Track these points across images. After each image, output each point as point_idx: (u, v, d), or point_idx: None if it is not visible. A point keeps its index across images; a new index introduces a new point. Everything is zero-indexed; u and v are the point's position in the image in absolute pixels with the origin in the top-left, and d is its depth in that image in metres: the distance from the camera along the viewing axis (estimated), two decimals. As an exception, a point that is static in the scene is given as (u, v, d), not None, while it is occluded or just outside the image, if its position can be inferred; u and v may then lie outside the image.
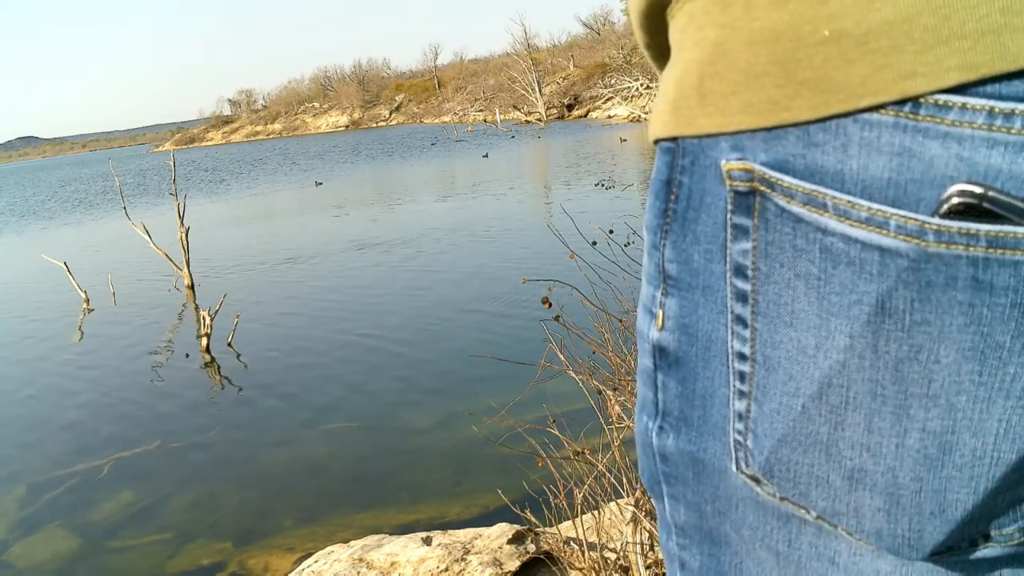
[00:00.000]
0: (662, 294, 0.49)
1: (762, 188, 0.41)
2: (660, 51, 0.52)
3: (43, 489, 4.53)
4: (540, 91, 48.71)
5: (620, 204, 11.12)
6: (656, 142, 0.48)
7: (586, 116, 44.49)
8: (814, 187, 0.39)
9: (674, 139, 0.46)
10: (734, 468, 0.46)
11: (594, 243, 2.54)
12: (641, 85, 39.01)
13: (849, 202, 0.37)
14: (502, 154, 26.22)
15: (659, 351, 0.49)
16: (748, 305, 0.43)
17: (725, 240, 0.44)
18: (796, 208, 0.40)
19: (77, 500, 4.34)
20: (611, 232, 2.59)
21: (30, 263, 12.75)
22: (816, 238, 0.39)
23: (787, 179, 0.40)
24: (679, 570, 0.55)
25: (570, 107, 47.72)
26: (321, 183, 22.92)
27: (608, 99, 42.98)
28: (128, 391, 6.11)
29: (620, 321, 2.29)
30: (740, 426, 0.45)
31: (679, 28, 0.46)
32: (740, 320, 0.44)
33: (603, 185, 13.98)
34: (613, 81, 43.05)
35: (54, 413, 5.83)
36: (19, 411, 6.00)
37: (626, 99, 40.25)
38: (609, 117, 40.15)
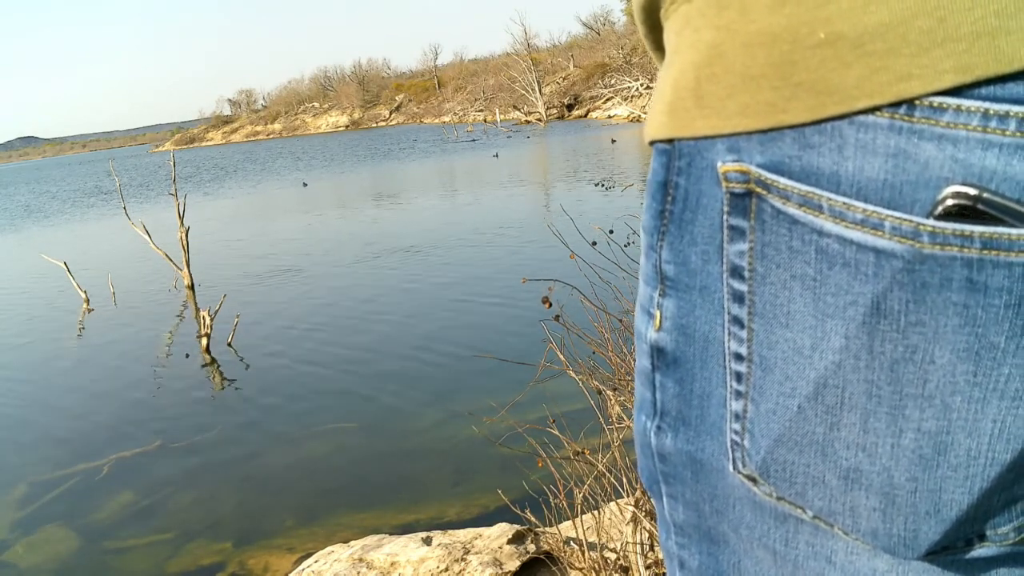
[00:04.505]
0: (659, 295, 0.49)
1: (758, 190, 0.41)
2: (657, 44, 0.53)
3: (43, 489, 4.53)
4: (540, 91, 48.68)
5: (620, 204, 11.11)
6: (652, 143, 0.48)
7: (586, 116, 44.47)
8: (810, 189, 0.39)
9: (670, 141, 0.46)
10: (731, 468, 0.47)
11: (594, 243, 2.54)
12: (641, 85, 39.00)
13: (845, 204, 0.38)
14: (502, 153, 26.20)
15: (657, 351, 0.50)
16: (745, 306, 0.43)
17: (722, 241, 0.44)
18: (792, 210, 0.40)
19: (77, 500, 4.34)
20: (611, 232, 2.58)
21: (30, 263, 12.75)
22: (812, 239, 0.39)
23: (783, 181, 0.40)
24: (678, 569, 0.55)
25: (570, 107, 47.70)
26: (307, 184, 22.90)
27: (608, 99, 42.97)
28: (128, 391, 6.11)
29: (620, 321, 2.29)
30: (737, 426, 0.45)
31: (674, 30, 0.47)
32: (737, 321, 0.44)
33: (603, 185, 13.98)
34: (613, 81, 43.05)
35: (54, 413, 5.83)
36: (19, 411, 6.00)
37: (626, 99, 40.24)
38: (609, 117, 40.15)
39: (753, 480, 0.46)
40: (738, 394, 0.45)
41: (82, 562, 3.75)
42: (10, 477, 4.77)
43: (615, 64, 45.25)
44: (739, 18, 0.41)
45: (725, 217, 0.43)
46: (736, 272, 0.43)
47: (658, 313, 0.49)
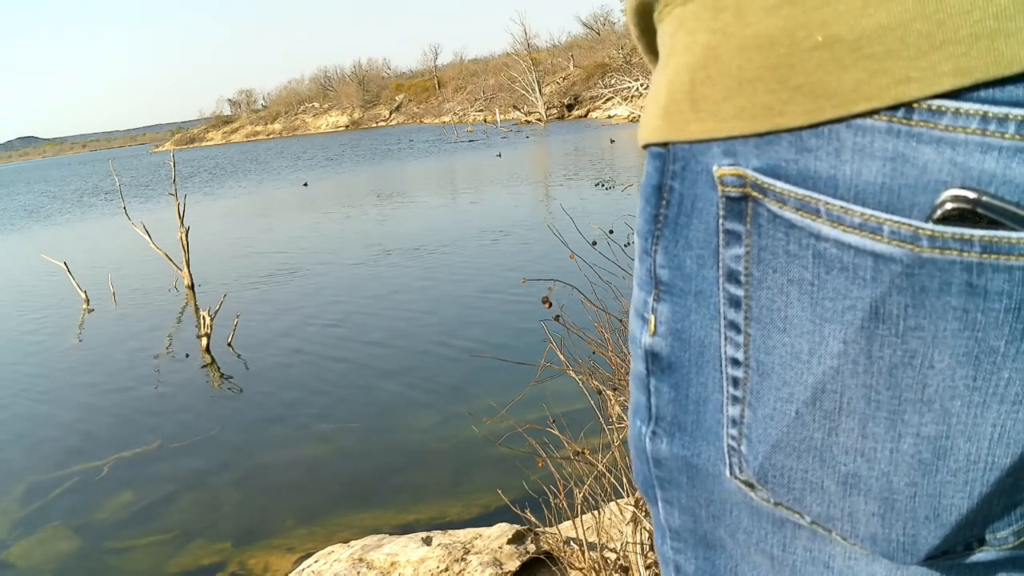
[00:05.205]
0: (654, 299, 0.48)
1: (754, 193, 0.41)
2: (650, 47, 0.52)
3: (43, 489, 4.53)
4: (540, 91, 48.67)
5: (620, 204, 11.11)
6: (645, 147, 0.48)
7: (586, 116, 44.48)
8: (807, 192, 0.38)
9: (664, 144, 0.46)
10: (728, 473, 0.46)
11: (594, 243, 2.54)
12: (641, 85, 38.99)
13: (842, 208, 0.37)
14: (503, 153, 26.20)
15: (652, 356, 0.49)
16: (741, 311, 0.43)
17: (717, 245, 0.43)
18: (789, 214, 0.39)
19: (77, 500, 4.34)
20: (611, 232, 2.58)
21: (30, 263, 12.75)
22: (809, 244, 0.39)
23: (780, 184, 0.39)
24: (674, 573, 0.55)
25: (570, 107, 47.70)
26: (307, 184, 22.90)
27: (608, 99, 42.97)
28: (128, 391, 6.11)
29: (620, 321, 2.29)
30: (734, 431, 0.45)
31: (668, 32, 0.46)
32: (733, 326, 0.43)
33: (603, 185, 13.98)
34: (613, 81, 43.06)
35: (54, 413, 5.83)
36: (19, 411, 6.00)
37: (626, 99, 40.24)
38: (609, 117, 40.15)
39: (750, 485, 0.45)
40: (735, 399, 0.44)
41: (82, 562, 3.75)
42: (10, 477, 4.77)
43: (615, 64, 45.26)
44: (735, 21, 0.40)
45: (721, 221, 0.43)
46: (732, 276, 0.43)
47: (653, 318, 0.49)
